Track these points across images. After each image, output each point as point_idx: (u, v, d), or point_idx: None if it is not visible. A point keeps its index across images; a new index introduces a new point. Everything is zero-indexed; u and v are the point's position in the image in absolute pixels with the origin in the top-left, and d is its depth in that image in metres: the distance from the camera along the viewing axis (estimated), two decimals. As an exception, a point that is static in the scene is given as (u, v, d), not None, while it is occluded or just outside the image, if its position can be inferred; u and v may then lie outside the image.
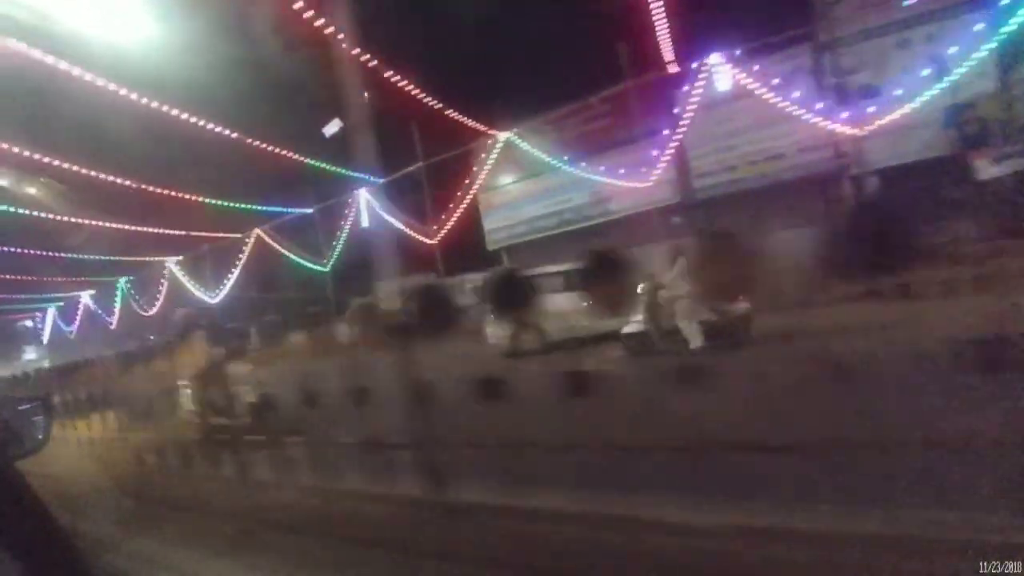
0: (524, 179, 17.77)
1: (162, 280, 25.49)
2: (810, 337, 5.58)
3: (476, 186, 17.41)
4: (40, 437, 1.46)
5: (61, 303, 33.49)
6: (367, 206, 18.86)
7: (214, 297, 23.66)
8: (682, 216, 15.38)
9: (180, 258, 25.19)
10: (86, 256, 23.24)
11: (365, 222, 18.85)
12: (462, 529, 3.13)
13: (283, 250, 21.11)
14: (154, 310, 26.32)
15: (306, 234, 21.04)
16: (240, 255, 22.28)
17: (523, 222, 18.15)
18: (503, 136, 16.29)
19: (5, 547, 0.98)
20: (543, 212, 17.74)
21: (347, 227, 19.22)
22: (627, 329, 7.23)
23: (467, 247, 18.48)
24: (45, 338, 34.55)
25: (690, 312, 6.57)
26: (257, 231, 21.67)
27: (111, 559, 3.36)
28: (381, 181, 18.13)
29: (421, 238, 17.72)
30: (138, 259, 24.80)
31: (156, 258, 25.20)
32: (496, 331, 9.74)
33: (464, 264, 18.03)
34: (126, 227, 20.21)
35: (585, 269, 5.56)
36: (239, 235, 22.32)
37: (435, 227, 17.86)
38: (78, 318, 31.63)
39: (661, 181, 15.11)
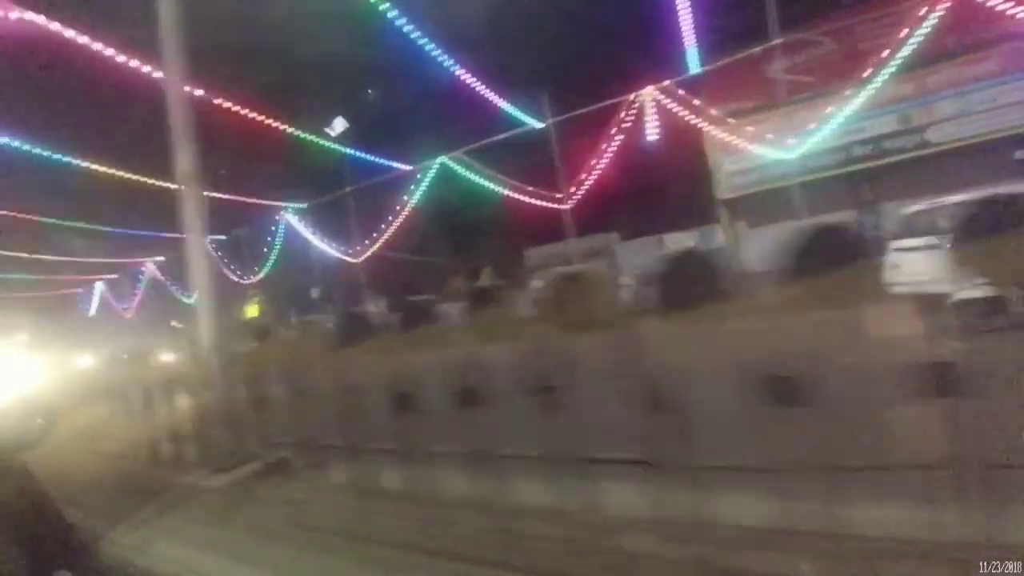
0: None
1: (272, 235, 18.80)
2: None
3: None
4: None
5: (114, 274, 26.83)
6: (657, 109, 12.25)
7: (356, 256, 16.95)
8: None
9: (304, 206, 18.56)
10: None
11: (652, 133, 12.24)
12: None
13: (488, 183, 14.46)
14: (258, 276, 19.64)
15: (529, 159, 14.41)
16: (405, 196, 15.63)
17: (781, 161, 12.68)
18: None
19: (7, 534, 1.08)
20: (817, 148, 12.33)
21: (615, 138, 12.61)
22: (966, 295, 4.62)
23: (664, 197, 13.93)
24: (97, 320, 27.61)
25: None
26: (442, 159, 15.06)
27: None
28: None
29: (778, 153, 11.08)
30: (245, 199, 18.05)
31: (269, 202, 18.54)
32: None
33: (663, 220, 13.91)
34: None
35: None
36: (408, 167, 15.78)
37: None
38: (138, 293, 24.89)
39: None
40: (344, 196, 17.18)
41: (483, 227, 16.23)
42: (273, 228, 18.71)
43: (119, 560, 2.65)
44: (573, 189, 13.42)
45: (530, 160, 14.38)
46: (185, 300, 23.57)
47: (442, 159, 14.99)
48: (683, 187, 13.89)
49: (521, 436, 2.54)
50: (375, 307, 19.77)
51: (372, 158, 15.14)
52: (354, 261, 16.81)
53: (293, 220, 18.52)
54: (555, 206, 13.59)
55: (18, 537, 1.08)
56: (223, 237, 21.67)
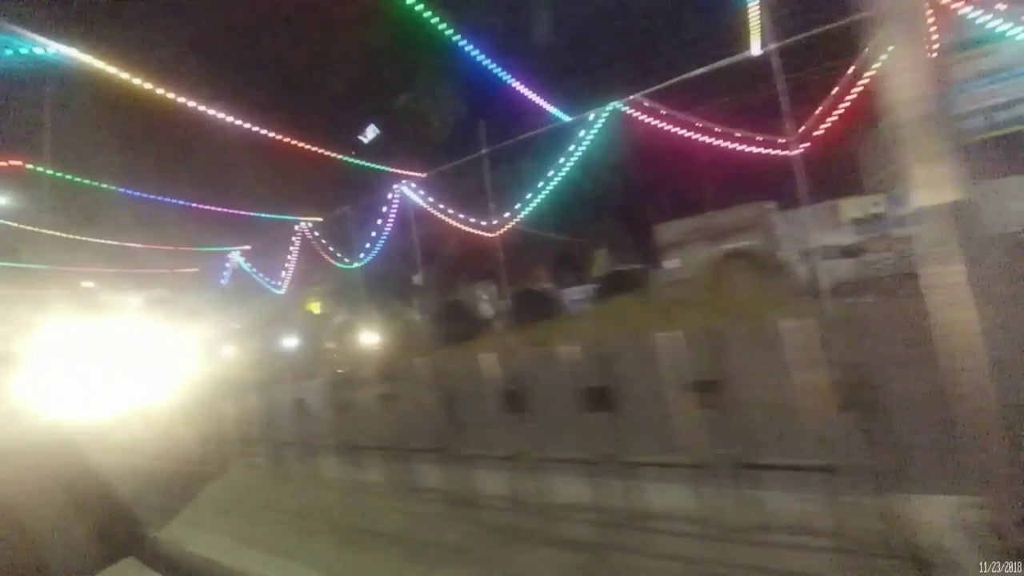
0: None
1: (388, 212, 16.29)
2: None
3: None
4: None
5: (195, 268, 25.13)
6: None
7: (493, 230, 14.19)
8: None
9: (424, 175, 15.99)
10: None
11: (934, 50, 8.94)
12: None
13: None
14: (363, 261, 17.18)
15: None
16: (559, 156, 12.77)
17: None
18: None
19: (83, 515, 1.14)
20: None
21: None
22: None
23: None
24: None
25: None
26: (615, 105, 12.13)
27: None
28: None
29: None
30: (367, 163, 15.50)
31: (392, 169, 16.00)
32: None
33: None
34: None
35: None
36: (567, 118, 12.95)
37: None
38: (226, 276, 22.90)
39: None
40: (476, 160, 14.47)
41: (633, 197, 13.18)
42: (383, 207, 16.23)
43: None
44: (809, 128, 10.24)
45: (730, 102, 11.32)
46: (275, 291, 21.52)
47: (615, 105, 12.10)
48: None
49: None
50: (485, 296, 17.04)
51: (530, 93, 12.20)
52: (490, 236, 14.04)
53: (410, 193, 16.02)
54: (781, 153, 10.41)
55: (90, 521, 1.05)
56: (319, 219, 19.55)
